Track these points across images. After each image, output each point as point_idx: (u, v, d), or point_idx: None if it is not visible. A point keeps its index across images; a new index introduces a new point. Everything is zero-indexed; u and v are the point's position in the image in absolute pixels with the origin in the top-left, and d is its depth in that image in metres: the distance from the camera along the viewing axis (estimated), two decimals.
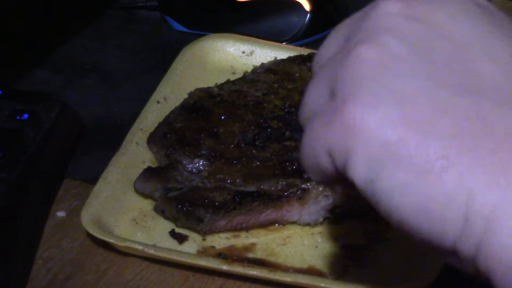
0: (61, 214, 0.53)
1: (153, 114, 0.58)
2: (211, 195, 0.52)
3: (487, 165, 0.30)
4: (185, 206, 0.51)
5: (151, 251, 0.49)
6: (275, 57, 0.63)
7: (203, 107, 0.57)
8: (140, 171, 0.54)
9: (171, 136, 0.55)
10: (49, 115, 0.55)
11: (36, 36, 0.71)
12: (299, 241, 0.51)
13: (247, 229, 0.52)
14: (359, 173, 0.32)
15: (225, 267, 0.48)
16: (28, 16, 0.72)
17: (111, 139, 0.58)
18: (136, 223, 0.52)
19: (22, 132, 0.53)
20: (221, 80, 0.61)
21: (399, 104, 0.32)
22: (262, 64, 0.62)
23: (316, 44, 0.70)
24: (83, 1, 0.75)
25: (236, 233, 0.52)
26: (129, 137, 0.56)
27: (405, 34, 0.33)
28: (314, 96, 0.36)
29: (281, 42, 0.70)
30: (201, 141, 0.54)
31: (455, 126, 0.31)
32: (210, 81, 0.61)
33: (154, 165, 0.55)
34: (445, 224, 0.30)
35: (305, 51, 0.64)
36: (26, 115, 0.54)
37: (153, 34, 0.72)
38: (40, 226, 0.52)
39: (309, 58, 0.62)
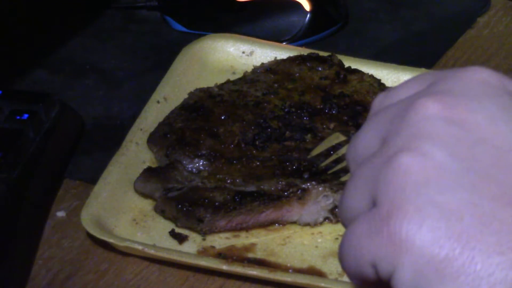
0: (61, 214, 0.53)
1: (153, 114, 0.58)
2: (211, 195, 0.52)
3: None
4: (185, 206, 0.51)
5: (151, 251, 0.49)
6: (275, 57, 0.63)
7: (203, 107, 0.57)
8: (140, 171, 0.54)
9: (171, 136, 0.55)
10: (49, 115, 0.55)
11: (36, 36, 0.71)
12: (299, 241, 0.51)
13: (247, 229, 0.52)
14: (405, 286, 0.32)
15: (225, 267, 0.48)
16: (28, 16, 0.72)
17: (111, 139, 0.58)
18: (136, 223, 0.52)
19: (22, 132, 0.53)
20: (221, 80, 0.61)
21: (445, 219, 0.32)
22: (262, 64, 0.62)
23: (316, 44, 0.70)
24: (83, 1, 0.75)
25: (236, 233, 0.52)
26: (129, 137, 0.56)
27: (446, 141, 0.33)
28: (354, 199, 0.36)
29: (281, 42, 0.70)
30: (201, 141, 0.54)
31: (502, 240, 0.31)
32: (210, 81, 0.61)
33: (154, 165, 0.55)
34: None
35: (305, 51, 0.64)
36: (26, 115, 0.54)
37: (153, 34, 0.72)
38: (40, 226, 0.52)
39: (309, 58, 0.62)
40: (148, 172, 0.53)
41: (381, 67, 0.64)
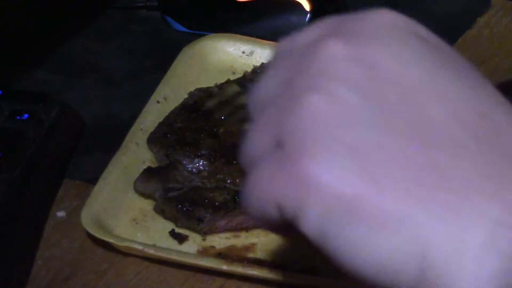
0: (61, 214, 0.53)
1: (153, 114, 0.58)
2: (211, 195, 0.52)
3: (442, 218, 0.30)
4: (185, 206, 0.51)
5: (151, 251, 0.49)
6: None
7: (203, 107, 0.57)
8: (140, 171, 0.54)
9: (171, 136, 0.55)
10: (49, 115, 0.55)
11: (36, 36, 0.71)
12: (299, 241, 0.51)
13: (247, 229, 0.52)
14: (312, 228, 0.32)
15: (225, 267, 0.48)
16: (28, 16, 0.72)
17: (111, 139, 0.58)
18: (136, 223, 0.52)
19: (22, 132, 0.53)
20: (221, 80, 0.61)
21: (353, 158, 0.31)
22: (262, 64, 0.62)
23: None
24: (83, 1, 0.75)
25: (236, 233, 0.52)
26: (129, 137, 0.56)
27: (354, 81, 0.33)
28: (257, 143, 0.35)
29: None
30: (201, 141, 0.54)
31: (410, 177, 0.30)
32: (210, 81, 0.61)
33: (154, 165, 0.55)
34: (400, 277, 0.30)
35: None
36: (26, 115, 0.54)
37: (153, 34, 0.72)
38: (40, 226, 0.52)
39: None
40: (148, 172, 0.53)
41: None
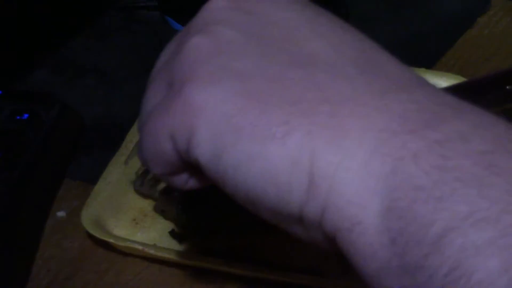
0: (61, 214, 0.53)
1: None
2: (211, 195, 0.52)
3: (327, 127, 0.31)
4: (186, 207, 0.51)
5: (151, 251, 0.49)
6: None
7: None
8: (141, 171, 0.54)
9: None
10: (49, 115, 0.55)
11: (36, 36, 0.71)
12: (299, 241, 0.51)
13: (247, 229, 0.52)
14: (203, 150, 0.33)
15: (225, 267, 0.48)
16: (28, 16, 0.72)
17: (111, 139, 0.58)
18: (137, 223, 0.52)
19: (22, 132, 0.53)
20: None
21: (236, 79, 0.32)
22: None
23: None
24: (83, 1, 0.75)
25: (236, 233, 0.52)
26: (129, 137, 0.56)
27: (234, 23, 0.35)
28: (152, 96, 0.36)
29: None
30: None
31: (294, 94, 0.32)
32: None
33: None
34: (291, 188, 0.31)
35: None
36: (26, 115, 0.54)
37: (153, 34, 0.72)
38: (40, 226, 0.52)
39: None
40: (147, 173, 0.53)
41: None
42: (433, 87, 0.33)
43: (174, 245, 0.51)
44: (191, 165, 0.34)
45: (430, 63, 0.69)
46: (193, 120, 0.33)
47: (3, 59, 0.66)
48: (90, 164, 0.57)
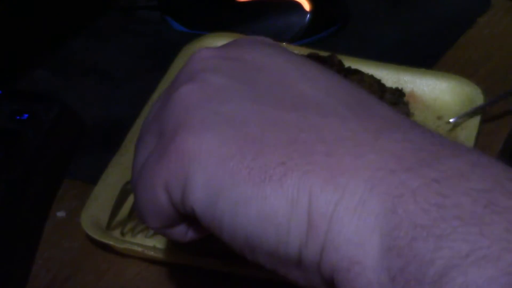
0: (61, 214, 0.53)
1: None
2: None
3: (324, 166, 0.31)
4: None
5: (151, 253, 0.49)
6: None
7: None
8: None
9: None
10: (49, 115, 0.55)
11: (36, 36, 0.71)
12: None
13: None
14: (198, 196, 0.32)
15: (224, 267, 0.48)
16: (29, 16, 0.72)
17: (111, 139, 0.58)
18: (135, 227, 0.52)
19: (22, 132, 0.53)
20: None
21: (230, 124, 0.32)
22: None
23: (316, 44, 0.70)
24: (83, 1, 0.75)
25: None
26: (129, 137, 0.56)
27: (223, 69, 0.34)
28: (143, 148, 0.36)
29: (281, 42, 0.70)
30: None
31: (288, 136, 0.32)
32: None
33: None
34: (290, 228, 0.31)
35: (304, 51, 0.64)
36: (26, 115, 0.54)
37: (153, 34, 0.72)
38: (40, 226, 0.52)
39: (309, 58, 0.62)
40: None
41: (381, 67, 0.64)
42: (425, 128, 0.33)
43: (174, 246, 0.51)
44: (187, 216, 0.34)
45: (430, 63, 0.69)
46: (187, 167, 0.32)
47: (3, 59, 0.66)
48: (90, 164, 0.57)
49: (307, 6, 0.70)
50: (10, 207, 0.49)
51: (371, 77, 0.62)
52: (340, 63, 0.62)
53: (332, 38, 0.71)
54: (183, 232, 0.36)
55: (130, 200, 0.49)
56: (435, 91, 0.63)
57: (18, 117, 0.54)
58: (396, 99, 0.61)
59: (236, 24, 0.71)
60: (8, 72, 0.65)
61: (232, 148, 0.32)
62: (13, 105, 0.55)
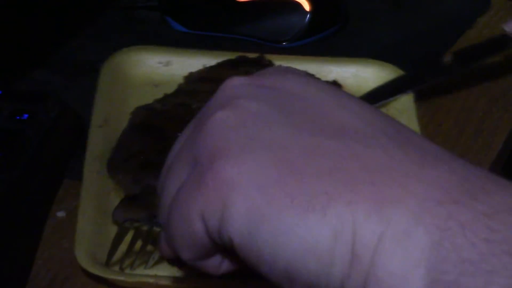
0: (61, 214, 0.53)
1: (99, 139, 0.55)
2: None
3: (368, 196, 0.30)
4: None
5: (162, 282, 0.47)
6: (194, 65, 0.63)
7: (153, 125, 0.55)
8: (112, 200, 0.52)
9: (133, 161, 0.53)
10: (49, 115, 0.55)
11: (36, 36, 0.71)
12: None
13: None
14: (237, 225, 0.31)
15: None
16: (28, 16, 0.72)
17: None
18: (130, 256, 0.49)
19: (22, 132, 0.53)
20: (146, 93, 0.60)
21: (270, 150, 0.31)
22: (191, 73, 0.62)
23: (316, 44, 0.70)
24: (83, 1, 0.75)
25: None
26: (86, 168, 0.53)
27: (258, 96, 0.33)
28: (175, 179, 0.35)
29: (281, 42, 0.70)
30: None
31: (330, 164, 0.31)
32: (138, 96, 0.60)
33: (118, 193, 0.52)
34: (333, 260, 0.30)
35: (231, 55, 0.63)
36: (26, 115, 0.54)
37: (153, 34, 0.72)
38: (40, 226, 0.52)
39: (241, 61, 0.61)
40: (127, 202, 0.51)
41: (305, 61, 0.63)
42: (465, 159, 0.32)
43: (175, 271, 0.48)
44: (223, 247, 0.33)
45: None
46: (226, 195, 0.31)
47: (3, 59, 0.66)
48: None
49: (307, 6, 0.70)
50: (10, 207, 0.49)
51: (305, 73, 0.62)
52: (271, 64, 0.62)
53: (332, 38, 0.71)
54: (216, 264, 0.35)
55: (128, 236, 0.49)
56: (359, 78, 0.63)
57: (18, 117, 0.54)
58: None
59: (236, 24, 0.71)
60: (8, 72, 0.65)
61: (272, 175, 0.31)
62: (13, 105, 0.55)
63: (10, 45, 0.68)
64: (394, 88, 0.61)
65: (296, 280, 0.31)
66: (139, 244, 0.48)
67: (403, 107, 0.60)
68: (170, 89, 0.60)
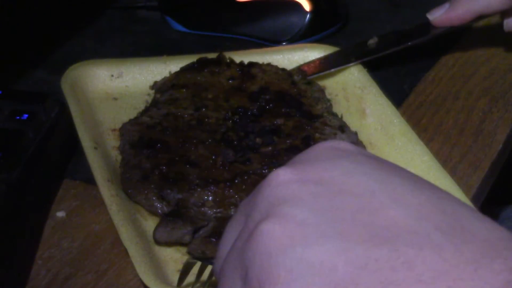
0: (61, 214, 0.53)
1: (100, 161, 0.54)
2: None
3: None
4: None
5: None
6: (150, 73, 0.63)
7: (152, 140, 0.55)
8: (142, 221, 0.52)
9: (150, 179, 0.53)
10: (49, 115, 0.55)
11: (36, 36, 0.71)
12: None
13: None
14: None
15: None
16: (28, 16, 0.72)
17: None
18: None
19: (22, 132, 0.53)
20: (111, 107, 0.60)
21: (318, 273, 0.31)
22: (155, 82, 0.62)
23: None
24: (83, 1, 0.75)
25: None
26: (103, 192, 0.52)
27: (305, 200, 0.33)
28: (227, 286, 0.34)
29: (281, 42, 0.70)
30: (186, 174, 0.52)
31: (382, 278, 0.30)
32: (103, 111, 0.60)
33: (142, 212, 0.52)
34: None
35: (182, 59, 0.63)
36: (26, 115, 0.54)
37: (153, 34, 0.72)
38: (40, 226, 0.52)
39: (204, 63, 0.62)
40: (169, 219, 0.51)
41: (260, 53, 0.65)
42: None
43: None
44: None
45: (430, 63, 0.69)
46: None
47: (3, 59, 0.66)
48: (89, 164, 0.57)
49: (307, 6, 0.70)
50: (10, 207, 0.49)
51: (269, 65, 0.62)
52: (232, 61, 0.62)
53: (332, 38, 0.71)
54: None
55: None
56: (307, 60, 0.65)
57: (18, 117, 0.54)
58: (305, 78, 0.62)
59: (236, 24, 0.71)
60: (8, 72, 0.65)
61: None
62: (13, 105, 0.55)
63: (10, 45, 0.68)
64: (326, 64, 0.65)
65: None
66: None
67: (363, 84, 0.62)
68: (130, 101, 0.61)
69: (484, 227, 0.31)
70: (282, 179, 0.34)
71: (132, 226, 0.50)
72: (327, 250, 0.31)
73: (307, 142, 0.55)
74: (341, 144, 0.36)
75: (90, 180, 0.54)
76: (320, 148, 0.36)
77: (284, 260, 0.31)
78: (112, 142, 0.57)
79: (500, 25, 0.67)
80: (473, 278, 0.29)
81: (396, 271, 0.30)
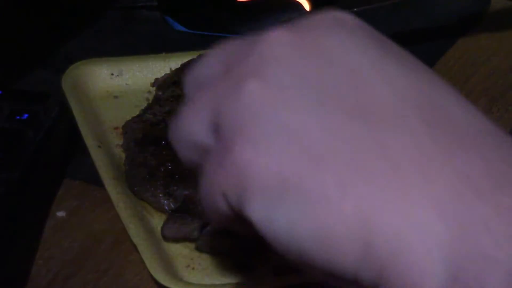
0: (61, 214, 0.53)
1: (105, 159, 0.54)
2: None
3: (387, 188, 0.29)
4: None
5: None
6: (150, 70, 0.63)
7: (156, 137, 0.55)
8: (149, 218, 0.52)
9: (156, 176, 0.53)
10: (49, 115, 0.55)
11: (36, 36, 0.71)
12: None
13: None
14: (256, 213, 0.31)
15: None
16: (28, 16, 0.72)
17: None
18: (193, 269, 0.49)
19: (22, 132, 0.53)
20: (112, 106, 0.60)
21: (291, 138, 0.31)
22: (156, 79, 0.62)
23: None
24: (83, 1, 0.75)
25: None
26: (111, 191, 0.52)
27: (294, 64, 0.33)
28: (193, 124, 0.35)
29: None
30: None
31: (351, 153, 0.30)
32: (104, 109, 0.60)
33: (149, 209, 0.52)
34: (347, 250, 0.29)
35: (192, 54, 0.63)
36: (26, 115, 0.54)
37: (153, 34, 0.72)
38: (40, 226, 0.52)
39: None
40: (177, 215, 0.51)
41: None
42: (502, 136, 0.31)
43: (246, 275, 0.48)
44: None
45: (430, 63, 0.69)
46: (245, 183, 0.31)
47: (3, 59, 0.66)
48: (90, 164, 0.57)
49: (307, 6, 0.70)
50: (10, 207, 0.49)
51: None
52: None
53: None
54: (240, 228, 0.35)
55: None
56: None
57: (18, 117, 0.54)
58: None
59: (236, 24, 0.71)
60: (8, 72, 0.65)
61: (292, 167, 0.30)
62: (13, 105, 0.55)
63: (10, 45, 0.68)
64: None
65: (311, 265, 0.31)
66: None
67: None
68: (131, 99, 0.61)
69: (464, 114, 0.31)
70: (278, 40, 0.33)
71: (140, 222, 0.50)
72: (305, 117, 0.31)
73: None
74: (345, 15, 0.36)
75: (90, 180, 0.55)
76: (323, 17, 0.35)
77: (260, 122, 0.31)
78: (115, 140, 0.58)
79: (501, 24, 0.67)
80: (444, 167, 0.29)
81: (367, 148, 0.30)
